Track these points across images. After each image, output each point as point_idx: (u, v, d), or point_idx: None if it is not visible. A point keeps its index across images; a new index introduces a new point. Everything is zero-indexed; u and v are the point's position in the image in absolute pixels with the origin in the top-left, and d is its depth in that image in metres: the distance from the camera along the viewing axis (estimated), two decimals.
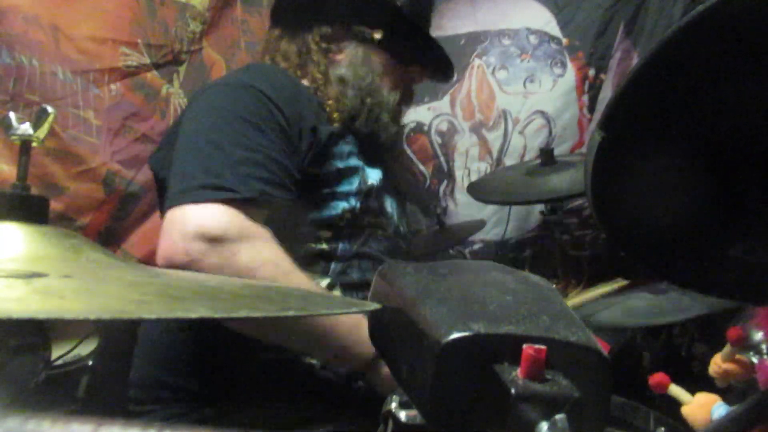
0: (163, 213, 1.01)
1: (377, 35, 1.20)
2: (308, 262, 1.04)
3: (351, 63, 1.19)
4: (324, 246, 1.07)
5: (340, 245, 1.08)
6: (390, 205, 1.22)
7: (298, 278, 0.94)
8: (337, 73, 1.18)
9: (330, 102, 1.15)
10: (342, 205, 1.09)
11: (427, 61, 1.30)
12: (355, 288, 1.07)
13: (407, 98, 1.30)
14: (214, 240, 0.89)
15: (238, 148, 0.96)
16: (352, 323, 0.94)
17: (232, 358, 1.02)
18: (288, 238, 0.98)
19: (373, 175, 1.16)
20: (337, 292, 1.05)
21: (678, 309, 1.23)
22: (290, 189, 1.00)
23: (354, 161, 1.13)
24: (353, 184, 1.11)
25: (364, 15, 1.21)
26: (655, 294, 1.33)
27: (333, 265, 1.07)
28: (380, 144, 1.20)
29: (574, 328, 0.45)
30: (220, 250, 0.88)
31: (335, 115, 1.14)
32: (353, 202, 1.10)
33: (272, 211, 0.98)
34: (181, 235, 0.89)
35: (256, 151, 0.97)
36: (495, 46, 2.44)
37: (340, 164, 1.11)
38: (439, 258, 2.04)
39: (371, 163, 1.17)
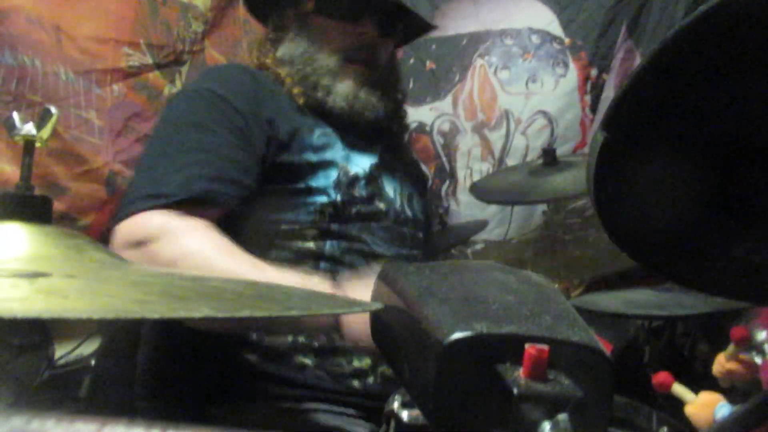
0: None
1: (309, 5, 1.19)
2: (296, 261, 1.02)
3: (288, 41, 1.19)
4: (310, 244, 1.05)
5: (328, 243, 1.06)
6: (392, 188, 1.18)
7: (232, 263, 0.91)
8: (278, 56, 1.19)
9: (288, 81, 1.16)
10: (320, 200, 1.06)
11: (376, 12, 1.20)
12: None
13: (367, 58, 1.20)
14: (138, 244, 0.91)
15: (184, 153, 0.99)
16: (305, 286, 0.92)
17: (228, 357, 1.02)
18: (264, 236, 0.98)
19: (361, 162, 1.13)
20: None
21: (680, 305, 1.23)
22: (247, 185, 1.01)
23: (331, 154, 1.10)
24: (330, 178, 1.08)
25: None
26: (658, 291, 1.33)
27: (322, 264, 1.05)
28: (370, 126, 1.16)
29: (577, 328, 0.45)
30: (144, 252, 0.90)
31: (295, 90, 1.14)
32: (333, 194, 1.07)
33: (227, 207, 0.99)
34: (114, 249, 0.91)
35: (205, 151, 0.99)
36: (497, 46, 2.44)
37: (313, 157, 1.09)
38: (442, 258, 2.04)
39: (360, 148, 1.15)
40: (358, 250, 1.08)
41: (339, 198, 1.08)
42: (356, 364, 1.02)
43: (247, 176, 1.02)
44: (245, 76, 1.13)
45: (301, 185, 1.07)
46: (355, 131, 1.16)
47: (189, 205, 0.94)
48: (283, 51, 1.19)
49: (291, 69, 1.17)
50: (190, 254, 0.91)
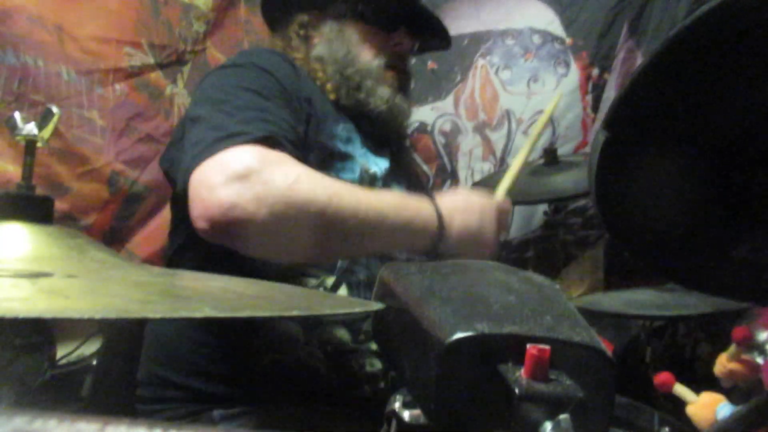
0: (175, 198, 1.00)
1: (350, 8, 1.20)
2: None
3: (327, 40, 1.19)
4: None
5: None
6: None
7: (335, 183, 0.94)
8: (314, 54, 1.19)
9: (320, 76, 1.16)
10: None
11: (412, 24, 1.26)
12: (362, 286, 1.05)
13: (401, 66, 1.26)
14: (242, 177, 0.85)
15: (242, 110, 0.96)
16: (403, 206, 0.97)
17: (238, 359, 1.02)
18: None
19: (379, 163, 1.14)
20: (343, 291, 1.05)
21: (682, 306, 1.23)
22: (298, 146, 0.99)
23: (352, 148, 1.11)
24: (355, 172, 1.09)
25: None
26: (660, 291, 1.33)
27: (339, 263, 1.05)
28: (387, 131, 1.19)
29: (578, 328, 0.45)
30: (253, 183, 0.85)
31: (329, 87, 1.15)
32: None
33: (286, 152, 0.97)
34: (208, 190, 0.86)
35: (262, 110, 0.97)
36: (498, 46, 2.44)
37: (341, 147, 1.10)
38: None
39: (377, 150, 1.16)
40: None
41: None
42: (368, 368, 1.02)
43: (299, 142, 1.00)
44: (282, 58, 1.13)
45: (332, 173, 1.05)
46: (371, 133, 1.17)
47: (262, 143, 0.91)
48: (320, 50, 1.19)
49: (330, 67, 1.17)
50: (304, 174, 0.90)
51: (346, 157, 1.10)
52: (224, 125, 0.92)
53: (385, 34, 1.22)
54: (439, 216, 0.98)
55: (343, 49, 1.18)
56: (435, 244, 0.98)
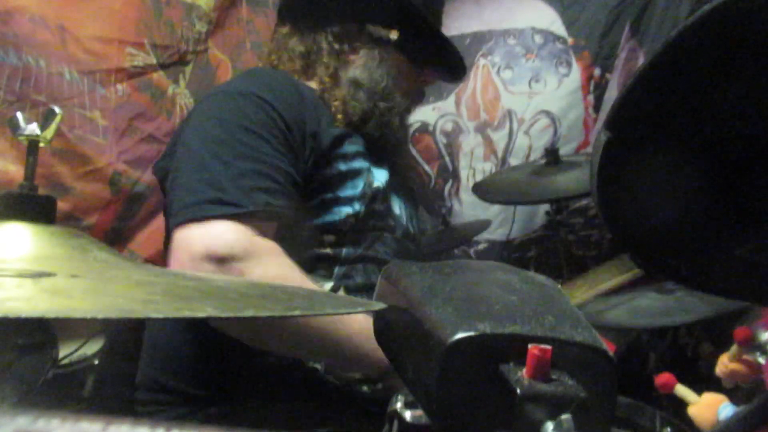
0: (168, 224, 1.00)
1: (393, 35, 1.17)
2: (312, 265, 1.03)
3: (366, 65, 1.16)
4: (328, 250, 1.06)
5: (344, 249, 1.07)
6: (398, 206, 1.20)
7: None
8: (350, 76, 1.15)
9: (336, 103, 1.13)
10: (345, 210, 1.07)
11: (441, 63, 1.27)
12: (359, 291, 1.05)
13: (417, 100, 1.28)
14: (222, 260, 0.88)
15: (240, 159, 0.95)
16: (368, 330, 0.94)
17: (237, 361, 1.02)
18: (289, 242, 0.97)
19: (380, 176, 1.14)
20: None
21: (685, 309, 1.22)
22: (294, 197, 1.00)
23: (359, 163, 1.11)
24: (357, 188, 1.09)
25: (378, 14, 1.17)
26: (662, 293, 1.33)
27: (337, 269, 1.06)
28: (387, 144, 1.19)
29: (580, 328, 0.45)
30: (229, 270, 0.88)
31: (339, 116, 1.12)
32: (357, 206, 1.08)
33: (279, 221, 0.98)
34: (189, 258, 0.88)
35: (259, 161, 0.96)
36: (500, 45, 2.44)
37: (344, 167, 1.09)
38: (444, 258, 2.04)
39: (378, 163, 1.16)
40: (372, 257, 1.09)
41: (362, 209, 1.09)
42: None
43: (296, 189, 1.00)
44: (289, 85, 1.10)
45: (330, 195, 1.06)
46: (373, 145, 1.17)
47: (253, 218, 0.92)
48: (359, 75, 1.15)
49: (363, 95, 1.14)
50: (278, 279, 0.89)
51: (351, 175, 1.10)
52: (218, 184, 0.92)
53: (417, 70, 1.22)
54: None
55: (385, 80, 1.15)
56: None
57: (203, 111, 1.07)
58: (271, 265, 0.92)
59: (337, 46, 1.17)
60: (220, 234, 0.90)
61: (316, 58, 1.17)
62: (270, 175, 0.96)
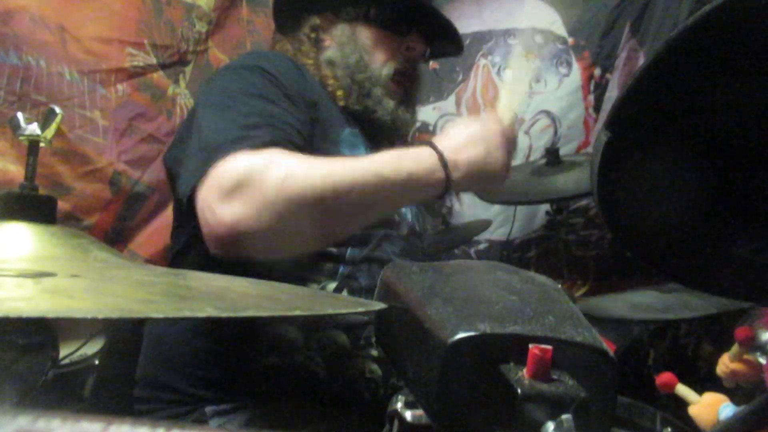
0: (177, 201, 0.99)
1: (362, 11, 1.19)
2: (315, 264, 1.03)
3: (338, 44, 1.19)
4: (332, 249, 1.05)
5: (349, 249, 1.06)
6: None
7: (328, 164, 0.91)
8: (325, 57, 1.18)
9: (330, 82, 1.16)
10: None
11: (425, 29, 1.25)
12: (363, 293, 1.04)
13: (411, 72, 1.25)
14: (235, 190, 0.85)
15: (247, 116, 0.95)
16: (400, 161, 0.93)
17: (237, 361, 1.02)
18: None
19: None
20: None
21: (685, 307, 1.22)
22: (303, 149, 0.97)
23: (359, 153, 1.11)
24: None
25: None
26: (662, 292, 1.33)
27: (341, 269, 1.04)
28: (385, 130, 1.18)
29: (580, 328, 0.45)
30: (247, 193, 0.84)
31: (339, 93, 1.15)
32: None
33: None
34: (210, 213, 0.86)
35: (269, 116, 0.96)
36: (500, 45, 2.44)
37: (347, 151, 1.09)
38: (445, 258, 2.04)
39: None
40: (377, 257, 1.08)
41: None
42: (368, 375, 1.02)
43: (306, 147, 0.98)
44: (288, 62, 1.12)
45: None
46: (375, 138, 1.17)
47: (267, 146, 0.90)
48: (331, 54, 1.18)
49: (340, 72, 1.16)
50: (289, 171, 0.87)
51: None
52: (227, 132, 0.92)
53: (398, 39, 1.22)
54: (442, 157, 0.95)
55: (356, 53, 1.18)
56: (445, 187, 0.96)
57: (209, 87, 1.08)
58: (281, 163, 0.88)
59: (314, 36, 1.21)
60: (225, 171, 0.87)
61: (299, 51, 1.20)
62: (276, 126, 0.95)
